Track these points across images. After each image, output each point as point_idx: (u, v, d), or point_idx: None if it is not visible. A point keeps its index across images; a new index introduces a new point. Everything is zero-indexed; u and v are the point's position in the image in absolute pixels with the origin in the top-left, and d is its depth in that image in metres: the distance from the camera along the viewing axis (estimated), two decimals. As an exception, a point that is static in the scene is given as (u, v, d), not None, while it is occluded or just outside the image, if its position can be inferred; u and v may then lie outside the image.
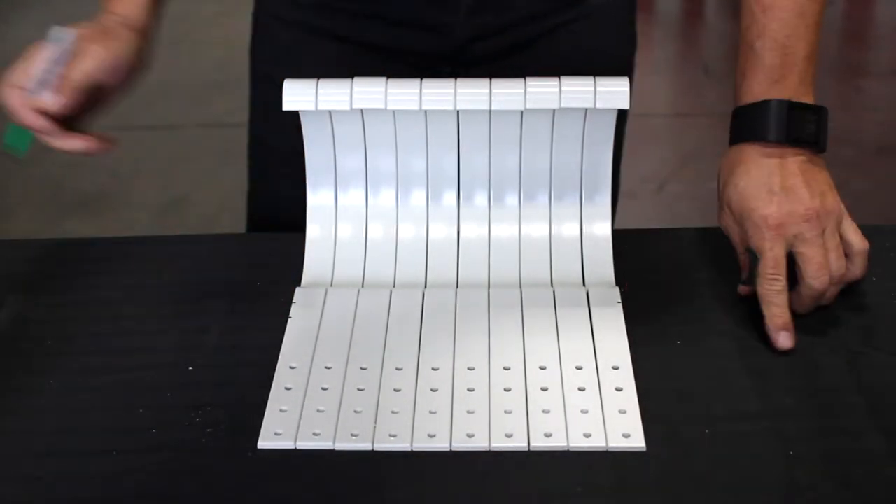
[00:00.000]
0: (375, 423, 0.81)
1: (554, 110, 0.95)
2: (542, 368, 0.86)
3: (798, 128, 0.91)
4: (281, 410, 0.82)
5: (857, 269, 0.92)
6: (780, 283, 0.89)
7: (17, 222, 2.72)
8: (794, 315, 0.89)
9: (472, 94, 0.93)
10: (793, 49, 0.92)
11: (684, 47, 3.79)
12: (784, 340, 0.88)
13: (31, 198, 2.84)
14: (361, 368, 0.86)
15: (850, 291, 0.94)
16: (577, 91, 0.93)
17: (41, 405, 0.85)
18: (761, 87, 0.92)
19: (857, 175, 2.85)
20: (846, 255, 0.91)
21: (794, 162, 0.91)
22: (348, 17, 1.09)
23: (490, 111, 0.94)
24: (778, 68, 0.92)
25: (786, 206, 0.89)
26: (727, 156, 0.95)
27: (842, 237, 0.91)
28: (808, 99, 0.92)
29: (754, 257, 0.90)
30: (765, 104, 0.92)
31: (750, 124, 0.93)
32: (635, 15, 1.17)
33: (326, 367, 0.87)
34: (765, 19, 0.92)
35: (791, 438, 0.79)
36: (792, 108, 0.91)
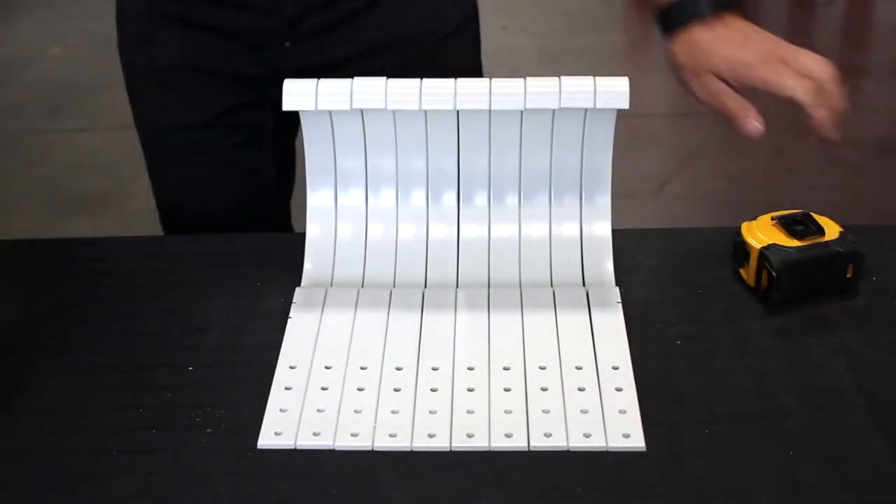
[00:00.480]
0: (375, 422, 0.81)
1: (554, 110, 0.95)
2: (542, 368, 0.86)
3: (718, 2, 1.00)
4: (281, 410, 0.82)
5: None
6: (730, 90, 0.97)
7: (17, 222, 2.72)
8: (794, 310, 0.89)
9: (472, 93, 0.93)
10: None
11: (684, 47, 3.79)
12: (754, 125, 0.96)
13: (31, 198, 2.84)
14: (361, 368, 0.86)
15: (850, 291, 0.94)
16: (577, 91, 0.93)
17: (41, 405, 0.85)
18: None
19: (857, 175, 2.85)
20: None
21: (732, 22, 1.00)
22: (192, 3, 1.13)
23: (490, 111, 0.94)
24: None
25: (740, 50, 0.98)
26: (671, 48, 1.03)
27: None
28: None
29: None
30: None
31: (683, 11, 1.01)
32: None
33: (326, 367, 0.87)
34: None
35: (791, 438, 0.79)
36: None
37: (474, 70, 1.23)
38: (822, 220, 0.94)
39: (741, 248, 0.94)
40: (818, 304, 0.94)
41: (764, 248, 0.92)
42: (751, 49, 0.98)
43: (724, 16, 1.00)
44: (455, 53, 1.20)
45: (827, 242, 0.93)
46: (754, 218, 0.95)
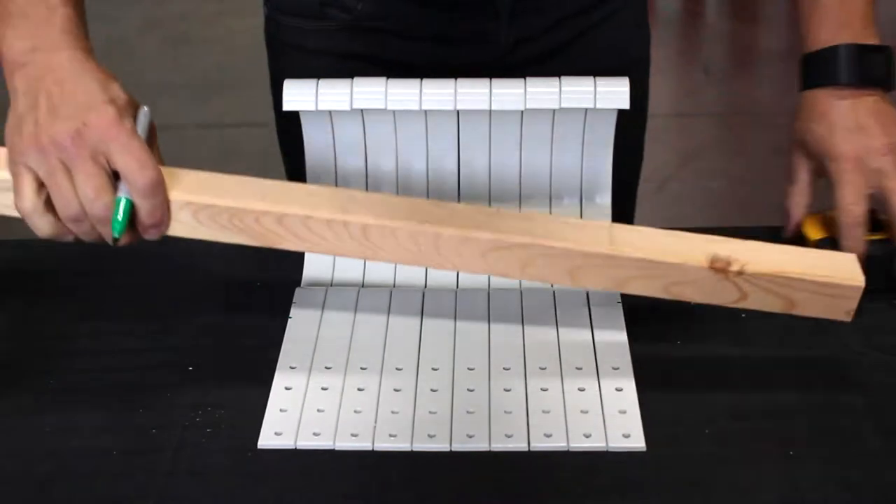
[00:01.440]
0: (375, 422, 0.81)
1: (554, 110, 0.95)
2: (542, 369, 0.86)
3: (867, 69, 0.94)
4: (281, 410, 0.82)
5: None
6: (860, 211, 0.92)
7: (17, 222, 2.72)
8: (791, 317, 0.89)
9: (472, 94, 0.93)
10: None
11: (684, 47, 3.79)
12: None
13: (31, 198, 2.84)
14: (361, 368, 0.86)
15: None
16: (577, 91, 0.93)
17: (41, 405, 0.85)
18: (828, 32, 0.95)
19: (857, 175, 2.85)
20: None
21: (867, 102, 0.94)
22: (381, 38, 1.07)
23: (490, 111, 0.94)
24: (842, 13, 0.95)
25: (862, 141, 0.93)
26: (801, 102, 0.97)
27: None
28: (872, 40, 0.95)
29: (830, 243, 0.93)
30: (833, 49, 0.95)
31: (821, 69, 0.96)
32: (647, 8, 1.18)
33: (326, 367, 0.87)
34: None
35: (791, 438, 0.79)
36: (860, 50, 0.94)
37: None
38: (886, 222, 0.95)
39: (799, 240, 0.94)
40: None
41: (819, 241, 0.94)
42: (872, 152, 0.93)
43: (866, 91, 0.94)
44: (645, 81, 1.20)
45: (884, 241, 0.94)
46: (819, 212, 0.98)
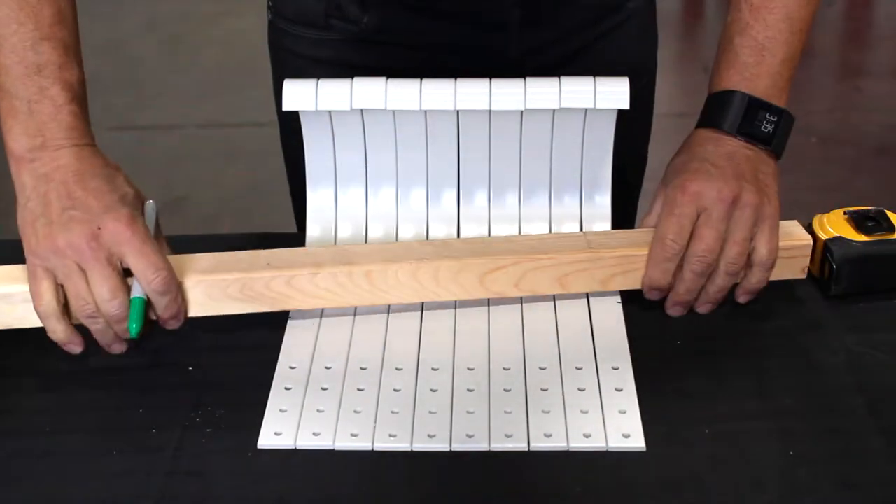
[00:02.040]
0: (375, 423, 0.81)
1: (554, 110, 0.95)
2: (542, 369, 0.86)
3: (752, 124, 0.91)
4: (281, 410, 0.82)
5: (754, 278, 0.91)
6: (676, 249, 0.88)
7: (16, 220, 2.72)
8: (794, 310, 0.89)
9: (471, 94, 0.93)
10: (771, 52, 0.92)
11: (684, 47, 3.79)
12: (675, 311, 0.91)
13: (31, 198, 2.84)
14: (361, 368, 0.86)
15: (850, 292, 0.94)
16: (577, 91, 0.93)
17: (41, 405, 0.85)
18: (731, 80, 0.93)
19: (858, 175, 2.85)
20: (750, 262, 0.90)
21: (739, 152, 0.91)
22: (387, 51, 1.07)
23: (490, 111, 0.94)
24: (752, 67, 0.92)
25: (707, 181, 0.89)
26: (686, 139, 0.96)
27: (755, 242, 0.89)
28: (777, 100, 0.92)
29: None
30: (728, 94, 0.92)
31: (711, 112, 0.94)
32: (655, 11, 1.18)
33: (326, 367, 0.87)
34: (749, 17, 0.93)
35: (791, 438, 0.79)
36: (752, 103, 0.92)
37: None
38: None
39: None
40: (818, 304, 0.94)
41: (829, 239, 0.94)
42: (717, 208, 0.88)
43: (746, 145, 0.91)
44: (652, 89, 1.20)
45: (894, 240, 0.93)
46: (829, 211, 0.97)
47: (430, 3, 1.04)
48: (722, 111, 0.92)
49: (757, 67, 0.92)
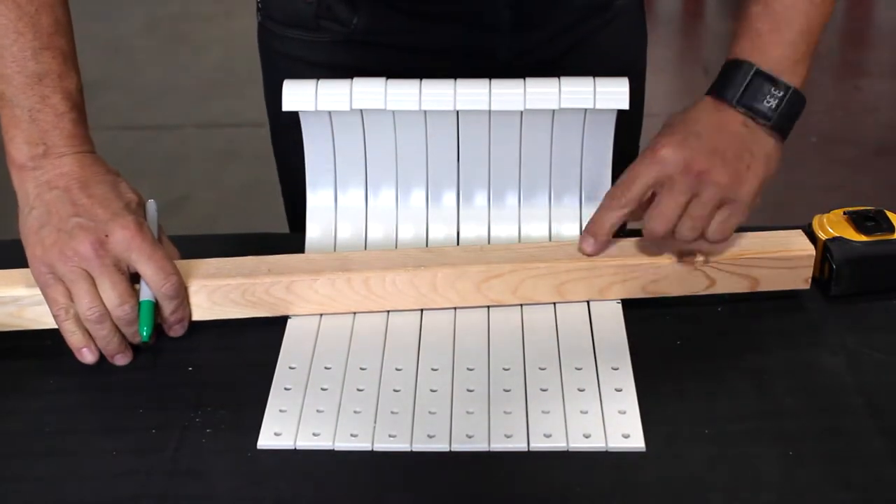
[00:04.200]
0: (375, 423, 0.81)
1: (553, 111, 0.95)
2: (542, 369, 0.86)
3: (753, 95, 0.88)
4: (280, 411, 0.82)
5: (704, 246, 0.90)
6: (620, 203, 0.88)
7: (17, 222, 2.72)
8: (794, 310, 0.89)
9: (471, 94, 0.93)
10: (787, 21, 0.89)
11: (684, 47, 3.79)
12: (586, 245, 0.90)
13: (31, 198, 2.84)
14: (361, 369, 0.86)
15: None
16: (577, 92, 0.93)
17: (41, 405, 0.85)
18: (743, 49, 0.90)
19: (857, 175, 2.85)
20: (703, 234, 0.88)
21: (733, 125, 0.88)
22: (381, 51, 1.07)
23: (490, 111, 0.94)
24: (766, 35, 0.89)
25: (679, 149, 0.86)
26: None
27: (712, 220, 0.87)
28: (789, 75, 0.88)
29: None
30: (736, 63, 0.89)
31: (718, 79, 0.90)
32: (644, 9, 1.17)
33: (326, 368, 0.87)
34: None
35: (791, 438, 0.79)
36: (758, 74, 0.88)
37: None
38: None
39: (810, 240, 0.94)
40: (818, 304, 0.94)
41: (829, 240, 0.93)
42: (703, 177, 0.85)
43: (746, 117, 0.88)
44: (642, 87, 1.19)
45: (894, 240, 0.93)
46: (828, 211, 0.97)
47: (420, 5, 1.04)
48: (726, 80, 0.89)
49: (770, 35, 0.89)
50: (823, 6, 0.90)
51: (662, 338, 0.90)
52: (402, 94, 0.94)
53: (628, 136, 1.18)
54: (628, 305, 0.92)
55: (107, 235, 0.84)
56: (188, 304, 0.88)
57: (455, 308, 0.92)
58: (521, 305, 0.92)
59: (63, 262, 0.84)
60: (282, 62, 1.11)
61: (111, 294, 0.84)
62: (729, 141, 0.87)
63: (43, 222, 0.85)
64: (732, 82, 0.88)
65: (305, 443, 0.80)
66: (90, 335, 0.86)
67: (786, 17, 0.89)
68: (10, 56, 0.85)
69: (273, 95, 1.14)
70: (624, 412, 0.82)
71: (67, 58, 0.87)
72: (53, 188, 0.86)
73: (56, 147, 0.86)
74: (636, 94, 1.13)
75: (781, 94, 0.88)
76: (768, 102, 0.88)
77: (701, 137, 0.87)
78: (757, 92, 0.88)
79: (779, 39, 0.89)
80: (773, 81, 0.88)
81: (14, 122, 0.86)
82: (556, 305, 0.92)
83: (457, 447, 0.79)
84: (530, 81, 0.94)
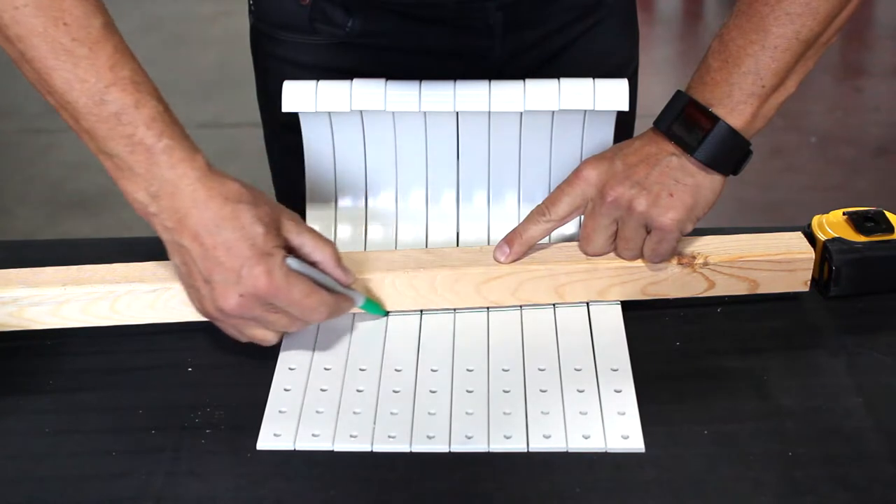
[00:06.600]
0: (374, 424, 0.81)
1: (553, 112, 0.95)
2: (541, 370, 0.86)
3: (684, 126, 0.87)
4: (280, 412, 0.82)
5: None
6: (544, 216, 0.89)
7: (16, 222, 2.72)
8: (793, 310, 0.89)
9: (471, 95, 0.93)
10: (736, 61, 0.87)
11: (684, 47, 3.79)
12: (499, 254, 0.90)
13: (30, 198, 2.84)
14: (360, 370, 0.86)
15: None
16: (576, 92, 0.93)
17: (41, 405, 0.85)
18: (692, 82, 0.90)
19: (857, 175, 2.85)
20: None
21: (663, 154, 0.87)
22: (375, 53, 1.06)
23: (489, 112, 0.94)
24: (714, 71, 0.88)
25: (602, 172, 0.88)
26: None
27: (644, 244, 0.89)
28: (726, 112, 0.86)
29: None
30: (678, 94, 0.89)
31: (664, 109, 0.90)
32: (636, 8, 1.17)
33: (325, 369, 0.87)
34: (731, 22, 0.88)
35: (791, 438, 0.79)
36: (692, 106, 0.87)
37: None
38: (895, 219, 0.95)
39: (809, 241, 0.94)
40: (817, 304, 0.94)
41: (828, 241, 0.93)
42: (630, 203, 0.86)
43: (676, 150, 0.87)
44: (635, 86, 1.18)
45: (893, 241, 0.93)
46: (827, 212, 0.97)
47: (414, 8, 1.04)
48: (666, 109, 0.89)
49: (718, 73, 0.87)
50: (778, 52, 0.86)
51: (662, 339, 0.90)
52: (402, 95, 0.94)
53: (620, 135, 1.19)
54: (627, 307, 0.93)
55: (241, 295, 0.80)
56: (350, 275, 0.85)
57: (454, 309, 0.92)
58: (521, 307, 0.92)
59: (226, 318, 0.83)
60: (275, 65, 1.11)
61: (276, 327, 0.84)
62: (653, 168, 0.87)
63: (187, 282, 0.83)
64: (669, 112, 0.89)
65: (305, 444, 0.80)
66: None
67: (736, 57, 0.87)
68: (83, 108, 0.79)
69: (266, 97, 1.13)
70: (623, 413, 0.82)
71: (139, 84, 0.82)
72: (180, 239, 0.81)
73: (163, 186, 0.80)
74: (630, 94, 1.14)
75: (709, 127, 0.86)
76: (696, 134, 0.87)
77: (627, 162, 0.88)
78: (688, 122, 0.87)
79: (725, 78, 0.87)
80: (706, 115, 0.87)
81: (117, 173, 0.81)
82: (556, 307, 0.92)
83: (456, 448, 0.79)
84: (530, 82, 0.94)
